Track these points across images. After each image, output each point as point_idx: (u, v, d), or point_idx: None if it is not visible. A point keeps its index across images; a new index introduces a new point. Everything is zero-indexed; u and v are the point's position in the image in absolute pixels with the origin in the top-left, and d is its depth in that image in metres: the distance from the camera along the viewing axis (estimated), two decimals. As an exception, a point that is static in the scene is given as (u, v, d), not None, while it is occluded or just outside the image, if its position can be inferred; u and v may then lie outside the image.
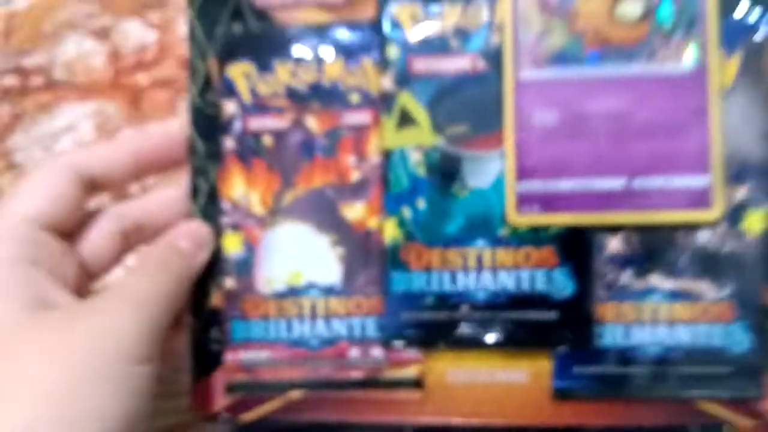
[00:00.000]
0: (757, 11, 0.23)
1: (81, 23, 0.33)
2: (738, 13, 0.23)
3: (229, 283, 0.24)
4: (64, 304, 0.21)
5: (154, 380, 0.20)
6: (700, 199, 0.22)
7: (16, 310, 0.20)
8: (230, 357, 0.24)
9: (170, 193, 0.24)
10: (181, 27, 0.30)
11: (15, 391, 0.18)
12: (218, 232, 0.24)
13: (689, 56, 0.22)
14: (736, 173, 0.22)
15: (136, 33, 0.33)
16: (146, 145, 0.24)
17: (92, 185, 0.23)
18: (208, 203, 0.24)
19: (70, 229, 0.22)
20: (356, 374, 0.23)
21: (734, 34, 0.23)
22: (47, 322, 0.20)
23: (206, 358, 0.24)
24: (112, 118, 0.33)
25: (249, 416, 0.24)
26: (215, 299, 0.24)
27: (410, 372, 0.23)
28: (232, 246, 0.24)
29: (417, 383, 0.23)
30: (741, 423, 0.22)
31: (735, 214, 0.22)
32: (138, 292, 0.21)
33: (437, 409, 0.23)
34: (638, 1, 0.23)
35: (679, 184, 0.22)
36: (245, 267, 0.24)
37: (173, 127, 0.31)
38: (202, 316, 0.24)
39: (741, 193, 0.23)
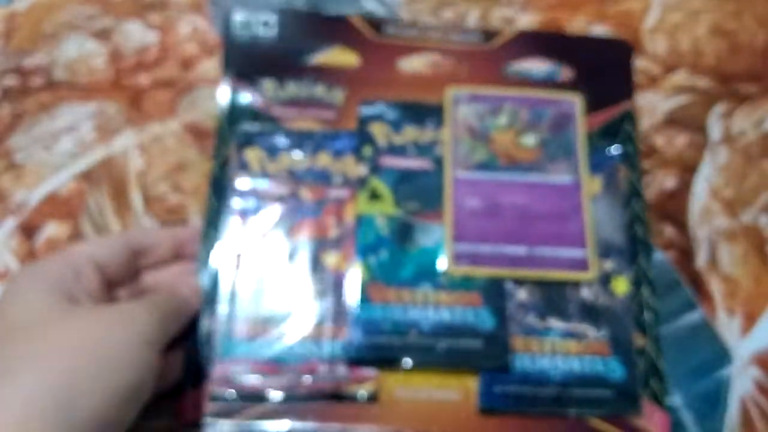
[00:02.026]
0: (615, 148, 0.34)
1: (82, 24, 0.33)
2: (601, 149, 0.34)
3: (222, 308, 0.30)
4: (92, 307, 0.26)
5: (158, 365, 0.25)
6: (580, 264, 0.31)
7: (58, 301, 0.25)
8: (218, 371, 0.29)
9: (178, 232, 0.31)
10: (182, 28, 0.32)
11: (58, 355, 0.23)
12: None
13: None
14: (604, 251, 0.32)
15: (136, 34, 0.34)
16: (180, 235, 0.31)
17: (139, 254, 0.29)
18: (215, 247, 0.31)
19: (114, 276, 0.28)
20: (323, 388, 0.29)
21: (598, 163, 0.34)
22: (84, 312, 0.25)
23: (196, 372, 0.29)
24: (112, 119, 0.33)
25: (228, 423, 0.28)
26: (209, 323, 0.30)
27: (367, 388, 0.29)
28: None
29: (372, 397, 0.29)
30: (621, 438, 0.29)
31: (605, 279, 0.31)
32: (153, 303, 0.27)
33: (388, 420, 0.29)
34: (533, 136, 0.34)
35: (565, 253, 0.31)
36: (234, 297, 0.30)
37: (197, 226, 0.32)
38: (195, 338, 0.29)
39: (608, 264, 0.32)
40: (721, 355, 0.32)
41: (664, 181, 0.34)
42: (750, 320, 0.32)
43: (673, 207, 0.34)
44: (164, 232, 0.31)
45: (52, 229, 0.33)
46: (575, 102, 0.35)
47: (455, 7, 0.37)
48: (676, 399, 0.31)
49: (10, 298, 0.25)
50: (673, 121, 0.36)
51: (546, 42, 0.37)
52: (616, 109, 0.35)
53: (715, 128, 0.35)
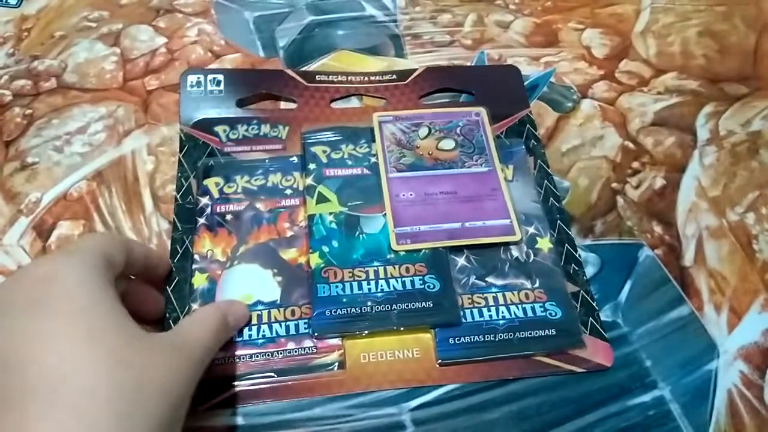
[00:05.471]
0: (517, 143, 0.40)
1: (91, 28, 0.34)
2: (508, 146, 0.40)
3: (195, 306, 0.33)
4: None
5: None
6: (507, 230, 0.36)
7: (136, 328, 0.24)
8: (192, 359, 0.31)
9: (151, 249, 0.34)
10: (189, 33, 0.32)
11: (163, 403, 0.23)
12: (189, 274, 0.33)
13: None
14: (525, 219, 0.37)
15: (145, 38, 0.35)
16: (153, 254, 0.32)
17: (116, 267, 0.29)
18: (182, 257, 0.34)
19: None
20: (293, 363, 0.31)
21: (507, 157, 0.40)
22: (164, 340, 0.25)
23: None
24: (122, 121, 0.34)
25: (205, 407, 0.30)
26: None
27: (334, 357, 0.31)
28: (198, 282, 0.33)
29: (340, 365, 0.31)
30: (570, 368, 0.32)
31: (531, 240, 0.36)
32: (213, 332, 0.28)
33: (356, 382, 0.31)
34: (451, 140, 0.40)
35: (493, 224, 0.36)
36: (208, 294, 0.33)
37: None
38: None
39: (531, 229, 0.37)
40: (709, 350, 0.33)
41: (654, 180, 0.34)
42: (736, 316, 0.33)
43: (662, 206, 0.34)
44: (143, 250, 0.31)
45: (65, 229, 0.34)
46: (481, 112, 0.41)
47: (452, 12, 0.38)
48: (664, 391, 0.32)
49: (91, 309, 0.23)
50: (662, 122, 0.36)
51: (450, 74, 0.44)
52: (517, 117, 0.42)
53: (703, 129, 0.35)
